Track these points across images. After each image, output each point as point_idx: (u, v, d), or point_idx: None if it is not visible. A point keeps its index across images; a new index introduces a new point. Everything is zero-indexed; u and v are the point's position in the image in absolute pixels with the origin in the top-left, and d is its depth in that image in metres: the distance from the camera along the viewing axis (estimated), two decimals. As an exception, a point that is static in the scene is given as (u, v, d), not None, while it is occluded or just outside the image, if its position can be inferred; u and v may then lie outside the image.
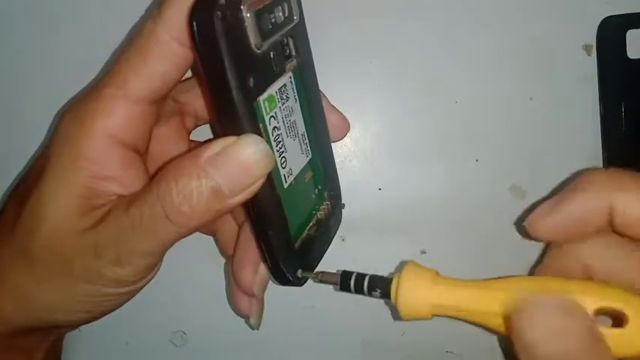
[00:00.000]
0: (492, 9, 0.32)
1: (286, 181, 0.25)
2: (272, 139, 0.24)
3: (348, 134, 0.33)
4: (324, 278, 0.26)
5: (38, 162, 0.25)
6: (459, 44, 0.33)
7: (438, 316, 0.24)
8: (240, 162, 0.21)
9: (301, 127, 0.26)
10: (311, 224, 0.28)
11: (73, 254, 0.23)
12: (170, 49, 0.22)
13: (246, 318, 0.29)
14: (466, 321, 0.24)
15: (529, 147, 0.33)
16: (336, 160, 0.33)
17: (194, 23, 0.20)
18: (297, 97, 0.26)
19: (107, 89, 0.23)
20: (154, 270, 0.25)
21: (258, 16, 0.22)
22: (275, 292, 0.32)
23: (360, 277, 0.25)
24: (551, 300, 0.21)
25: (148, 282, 0.25)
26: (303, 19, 0.26)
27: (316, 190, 0.28)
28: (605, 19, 0.32)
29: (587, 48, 0.32)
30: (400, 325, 0.34)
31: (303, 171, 0.27)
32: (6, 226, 0.25)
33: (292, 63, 0.25)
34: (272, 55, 0.23)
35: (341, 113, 0.29)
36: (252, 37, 0.22)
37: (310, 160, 0.27)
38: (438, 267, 0.33)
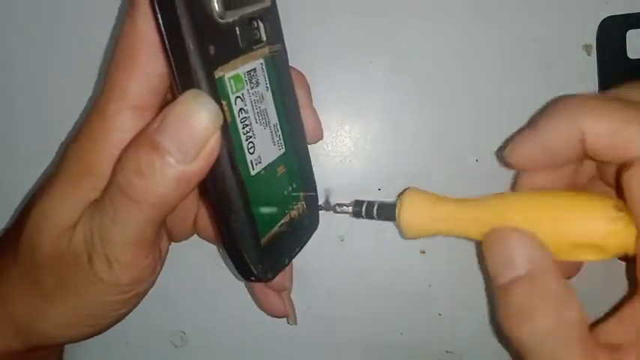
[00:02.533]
0: (492, 9, 0.32)
1: (254, 168, 0.24)
2: (238, 120, 0.23)
3: (348, 134, 0.33)
4: (339, 208, 0.29)
5: (48, 178, 0.25)
6: (459, 44, 0.33)
7: (435, 235, 0.26)
8: (183, 118, 0.20)
9: (273, 118, 0.26)
10: (283, 221, 0.27)
11: (71, 266, 0.23)
12: (156, 38, 0.21)
13: (283, 317, 0.30)
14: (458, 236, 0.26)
15: (529, 147, 0.33)
16: (336, 160, 0.33)
17: None
18: (268, 85, 0.26)
19: (111, 105, 0.22)
20: (150, 271, 0.24)
21: None
22: (275, 292, 0.32)
23: (370, 204, 0.28)
24: (510, 235, 0.23)
25: (148, 287, 0.25)
26: (276, 7, 0.26)
27: (290, 188, 0.28)
28: (605, 19, 0.32)
29: (587, 48, 0.32)
30: (400, 325, 0.34)
31: (274, 163, 0.26)
32: (14, 241, 0.24)
33: (264, 50, 0.25)
34: (238, 31, 0.23)
35: (317, 118, 0.29)
36: (215, 4, 0.21)
37: (284, 154, 0.27)
38: (438, 267, 0.33)
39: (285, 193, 0.27)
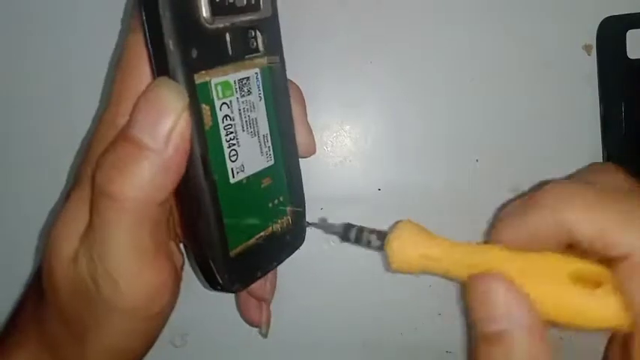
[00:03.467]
0: (492, 9, 0.32)
1: (234, 176, 0.24)
2: (221, 125, 0.23)
3: (348, 134, 0.33)
4: (327, 227, 0.27)
5: (61, 203, 0.24)
6: (458, 44, 0.32)
7: (422, 272, 0.25)
8: (149, 104, 0.20)
9: (264, 128, 0.26)
10: (262, 234, 0.26)
11: (84, 299, 0.22)
12: None
13: (257, 327, 0.30)
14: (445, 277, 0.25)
15: (529, 147, 0.33)
16: (336, 160, 0.33)
17: None
18: (262, 96, 0.25)
19: (121, 118, 0.21)
20: (162, 286, 0.23)
21: None
22: (275, 292, 0.32)
23: (361, 229, 0.27)
24: (494, 285, 0.22)
25: (167, 305, 0.23)
26: (277, 18, 0.25)
27: (275, 201, 0.27)
28: (605, 19, 0.32)
29: (587, 48, 0.32)
30: (400, 325, 0.34)
31: (260, 174, 0.26)
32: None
33: (260, 60, 0.25)
34: (228, 38, 0.23)
35: (311, 134, 0.28)
36: (203, 9, 0.21)
37: (272, 166, 0.26)
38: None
39: (270, 205, 0.27)
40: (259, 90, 0.25)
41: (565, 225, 0.22)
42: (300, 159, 0.28)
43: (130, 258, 0.21)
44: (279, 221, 0.27)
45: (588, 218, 0.21)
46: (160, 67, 0.21)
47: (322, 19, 0.32)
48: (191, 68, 0.21)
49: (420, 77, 0.33)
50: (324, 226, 0.28)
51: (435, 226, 0.33)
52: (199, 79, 0.22)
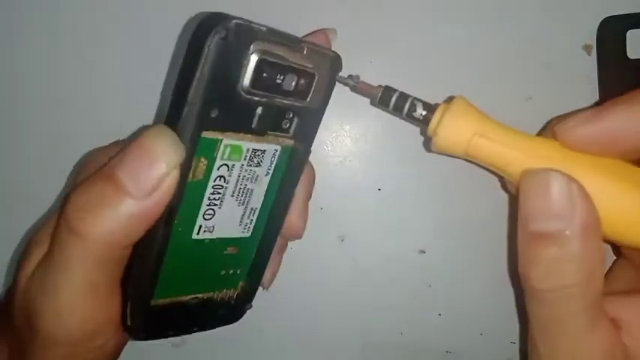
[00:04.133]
0: (492, 9, 0.32)
1: (198, 234, 0.23)
2: (210, 182, 0.22)
3: (348, 134, 0.33)
4: (363, 87, 0.25)
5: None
6: (458, 44, 0.32)
7: (467, 159, 0.23)
8: (144, 152, 0.19)
9: (256, 202, 0.25)
10: (198, 295, 0.25)
11: (27, 329, 0.21)
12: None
13: None
14: (493, 172, 0.23)
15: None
16: (336, 159, 0.33)
17: (197, 27, 0.19)
18: (270, 172, 0.24)
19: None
20: (111, 324, 0.22)
21: (264, 64, 0.21)
22: (274, 292, 0.32)
23: (404, 95, 0.25)
24: (560, 182, 0.20)
25: (113, 340, 0.23)
26: (322, 113, 0.25)
27: (231, 271, 0.26)
28: (605, 19, 0.32)
29: (587, 48, 0.32)
30: (400, 325, 0.34)
31: (228, 241, 0.25)
32: None
33: (286, 141, 0.24)
34: (258, 111, 0.22)
35: (304, 219, 0.28)
36: (243, 78, 0.21)
37: (245, 238, 0.25)
38: (438, 267, 0.33)
39: (222, 272, 0.26)
40: (271, 166, 0.24)
41: None
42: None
43: (80, 294, 0.21)
44: (224, 291, 0.26)
45: None
46: (173, 113, 0.20)
47: (321, 18, 0.32)
48: (202, 125, 0.20)
49: (420, 77, 0.33)
50: (355, 84, 0.25)
51: (436, 226, 0.33)
52: (209, 135, 0.21)
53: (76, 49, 0.33)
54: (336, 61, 0.24)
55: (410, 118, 0.24)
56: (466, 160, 0.24)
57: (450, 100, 0.24)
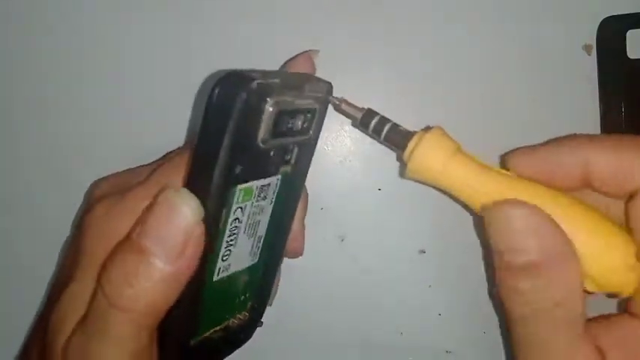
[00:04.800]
0: (492, 9, 0.32)
1: (218, 275, 0.24)
2: (228, 228, 0.22)
3: (348, 134, 0.33)
4: (346, 108, 0.25)
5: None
6: (459, 44, 0.32)
7: (436, 187, 0.24)
8: (165, 217, 0.20)
9: (262, 230, 0.25)
10: (218, 327, 0.26)
11: None
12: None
13: None
14: (463, 204, 0.24)
15: (529, 147, 0.33)
16: (336, 159, 0.33)
17: (217, 89, 0.20)
18: (273, 200, 0.25)
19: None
20: None
21: (279, 115, 0.21)
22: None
23: (383, 120, 0.25)
24: (526, 214, 0.21)
25: None
26: (317, 139, 0.25)
27: (242, 297, 0.26)
28: (605, 19, 0.32)
29: (587, 48, 0.32)
30: (400, 325, 0.34)
31: (240, 272, 0.25)
32: None
33: (286, 169, 0.25)
34: (272, 154, 0.23)
35: (303, 237, 0.28)
36: (262, 131, 0.21)
37: (253, 265, 0.26)
38: (438, 267, 0.33)
39: (236, 301, 0.26)
40: (273, 195, 0.25)
41: (585, 159, 0.22)
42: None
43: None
44: (238, 317, 0.27)
45: (606, 155, 0.21)
46: (201, 175, 0.20)
47: (322, 19, 0.32)
48: (230, 183, 0.21)
49: (420, 77, 0.33)
50: (340, 105, 0.26)
51: (436, 226, 0.33)
52: (232, 188, 0.21)
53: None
54: (329, 89, 0.25)
55: (387, 142, 0.25)
56: (439, 190, 0.25)
57: (427, 129, 0.25)
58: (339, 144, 0.33)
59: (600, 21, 0.32)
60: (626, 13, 0.32)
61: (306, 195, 0.29)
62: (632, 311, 0.22)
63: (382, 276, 0.34)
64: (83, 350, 0.21)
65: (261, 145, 0.21)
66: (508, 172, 0.24)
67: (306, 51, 0.28)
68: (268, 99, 0.21)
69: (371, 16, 0.32)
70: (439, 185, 0.24)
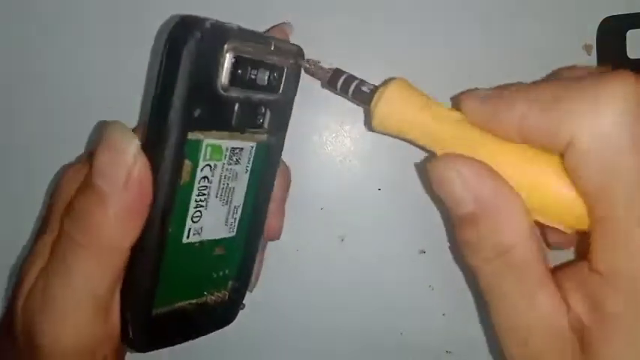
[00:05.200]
0: (492, 9, 0.32)
1: (188, 237, 0.24)
2: (196, 184, 0.23)
3: (348, 134, 0.33)
4: (315, 70, 0.26)
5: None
6: (459, 44, 0.32)
7: (406, 138, 0.24)
8: (105, 152, 0.20)
9: (237, 200, 0.25)
10: (194, 301, 0.25)
11: (28, 339, 0.22)
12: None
13: None
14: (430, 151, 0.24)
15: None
16: (336, 159, 0.33)
17: (172, 30, 0.20)
18: (249, 169, 0.25)
19: None
20: (104, 341, 0.22)
21: (239, 61, 0.22)
22: (274, 291, 0.32)
23: (350, 78, 0.25)
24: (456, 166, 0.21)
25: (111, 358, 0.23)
26: (292, 103, 0.26)
27: (221, 273, 0.26)
28: (605, 19, 0.32)
29: (587, 48, 0.32)
30: (400, 325, 0.34)
31: (215, 242, 0.25)
32: None
33: (261, 137, 0.25)
34: (236, 108, 0.23)
35: (281, 219, 0.29)
36: (221, 76, 0.21)
37: (231, 238, 0.26)
38: (438, 267, 0.33)
39: (214, 275, 0.26)
40: (249, 163, 0.25)
41: (519, 118, 0.21)
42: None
43: (80, 305, 0.21)
44: (217, 294, 0.26)
45: (535, 111, 0.21)
46: (158, 116, 0.21)
47: (322, 19, 0.32)
48: (188, 126, 0.21)
49: (420, 77, 0.32)
50: (311, 67, 0.26)
51: (435, 226, 0.33)
52: (193, 136, 0.21)
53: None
54: (299, 54, 0.25)
55: (355, 98, 0.25)
56: (407, 140, 0.25)
57: (390, 80, 0.25)
58: (339, 144, 0.33)
59: (600, 21, 0.32)
60: (626, 13, 0.32)
61: (289, 175, 0.29)
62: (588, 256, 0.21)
63: (382, 276, 0.34)
64: (44, 294, 0.21)
65: (221, 91, 0.22)
66: (464, 120, 0.24)
67: (281, 24, 0.28)
68: (225, 42, 0.21)
69: (372, 16, 0.32)
70: (402, 135, 0.24)
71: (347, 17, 0.32)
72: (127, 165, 0.20)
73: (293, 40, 0.27)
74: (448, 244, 0.33)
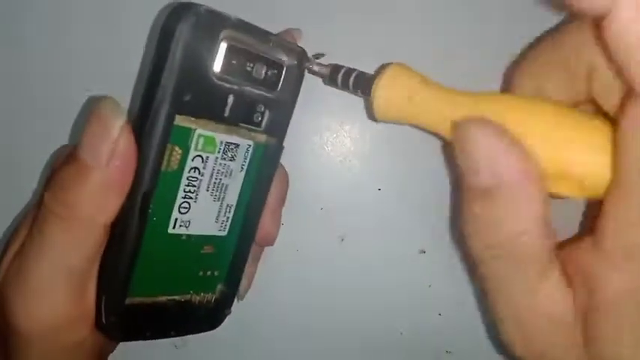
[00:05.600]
0: (492, 9, 0.32)
1: (174, 228, 0.23)
2: (184, 174, 0.22)
3: (348, 134, 0.33)
4: (314, 67, 0.25)
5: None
6: (459, 45, 0.33)
7: (410, 121, 0.23)
8: (92, 125, 0.20)
9: (231, 199, 0.25)
10: (175, 297, 0.25)
11: (3, 318, 0.21)
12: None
13: None
14: (435, 133, 0.23)
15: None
16: (336, 159, 0.33)
17: (168, 14, 0.20)
18: (245, 168, 0.25)
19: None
20: (77, 320, 0.22)
21: (234, 51, 0.22)
22: (274, 291, 0.32)
23: (349, 70, 0.25)
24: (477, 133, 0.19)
25: (90, 341, 0.22)
26: (293, 105, 0.25)
27: (209, 272, 0.26)
28: (604, 19, 0.32)
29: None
30: (400, 325, 0.34)
31: (204, 239, 0.25)
32: None
33: (259, 136, 0.25)
34: (230, 100, 0.23)
35: (276, 225, 0.28)
36: (215, 64, 0.21)
37: (222, 237, 0.25)
38: (438, 267, 0.33)
39: (200, 273, 0.25)
40: (244, 161, 0.25)
41: (588, 67, 0.19)
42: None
43: (52, 278, 0.21)
44: (202, 294, 0.26)
45: (615, 49, 0.17)
46: (148, 96, 0.21)
47: (323, 20, 0.32)
48: (175, 108, 0.21)
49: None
50: (312, 66, 0.26)
51: (435, 226, 0.33)
52: (183, 122, 0.21)
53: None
54: (302, 56, 0.25)
55: (355, 91, 0.25)
56: (411, 125, 0.24)
57: (386, 65, 0.24)
58: (339, 144, 0.33)
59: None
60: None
61: (286, 181, 0.29)
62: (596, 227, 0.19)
63: (382, 276, 0.34)
64: (18, 269, 0.21)
65: (213, 79, 0.22)
66: (474, 92, 0.22)
67: (289, 29, 0.28)
68: (221, 30, 0.21)
69: (373, 16, 0.32)
70: (409, 121, 0.23)
71: (349, 18, 0.32)
72: (111, 139, 0.20)
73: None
74: (450, 236, 0.33)
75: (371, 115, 0.24)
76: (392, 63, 0.24)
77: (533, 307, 0.20)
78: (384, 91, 0.23)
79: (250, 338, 0.34)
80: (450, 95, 0.22)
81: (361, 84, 0.24)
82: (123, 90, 0.31)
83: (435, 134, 0.23)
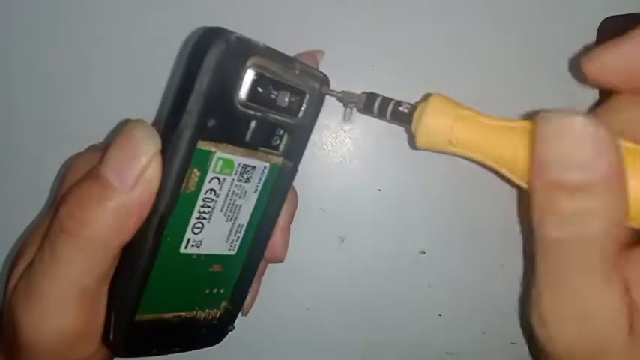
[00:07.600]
0: (493, 9, 0.32)
1: (186, 248, 0.23)
2: (200, 195, 0.22)
3: (348, 134, 0.33)
4: (346, 97, 0.25)
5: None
6: (459, 45, 0.32)
7: (454, 153, 0.23)
8: (122, 146, 0.20)
9: (243, 219, 0.25)
10: (182, 313, 0.25)
11: (12, 331, 0.21)
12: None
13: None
14: (480, 163, 0.23)
15: (529, 147, 0.33)
16: (336, 160, 0.33)
17: (198, 39, 0.20)
18: (259, 189, 0.25)
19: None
20: (83, 337, 0.22)
21: (260, 79, 0.22)
22: (274, 291, 0.32)
23: (386, 100, 0.25)
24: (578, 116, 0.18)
25: (94, 357, 0.22)
26: (310, 130, 0.26)
27: (215, 290, 0.26)
28: (605, 19, 0.32)
29: (587, 48, 0.32)
30: (400, 325, 0.34)
31: (214, 257, 0.25)
32: None
33: (276, 159, 0.25)
34: (252, 125, 0.23)
35: (286, 243, 0.28)
36: (240, 90, 0.21)
37: (231, 256, 0.26)
38: (438, 267, 0.33)
39: (206, 291, 0.26)
40: (259, 183, 0.25)
41: None
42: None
43: (65, 296, 0.20)
44: (207, 311, 0.26)
45: None
46: (172, 120, 0.20)
47: (325, 21, 0.32)
48: (199, 134, 0.21)
49: (420, 78, 0.33)
50: (343, 96, 0.26)
51: (435, 226, 0.33)
52: (204, 146, 0.21)
53: (76, 52, 0.33)
54: (324, 81, 0.25)
55: (394, 120, 0.25)
56: (456, 155, 0.24)
57: (427, 96, 0.24)
58: (339, 144, 0.33)
59: (600, 21, 0.32)
60: (626, 13, 0.32)
61: (296, 200, 0.29)
62: None
63: (382, 276, 0.34)
64: (28, 283, 0.21)
65: (238, 106, 0.22)
66: (515, 121, 0.23)
67: (312, 51, 0.28)
68: (248, 58, 0.21)
69: (375, 17, 0.32)
70: (451, 151, 0.24)
71: (358, 20, 0.32)
72: (141, 165, 0.20)
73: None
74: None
75: (412, 144, 0.24)
76: (432, 94, 0.24)
77: (603, 298, 0.20)
78: (428, 121, 0.23)
79: (248, 337, 0.34)
80: (492, 126, 0.23)
81: (400, 114, 0.25)
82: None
83: (487, 167, 0.24)
